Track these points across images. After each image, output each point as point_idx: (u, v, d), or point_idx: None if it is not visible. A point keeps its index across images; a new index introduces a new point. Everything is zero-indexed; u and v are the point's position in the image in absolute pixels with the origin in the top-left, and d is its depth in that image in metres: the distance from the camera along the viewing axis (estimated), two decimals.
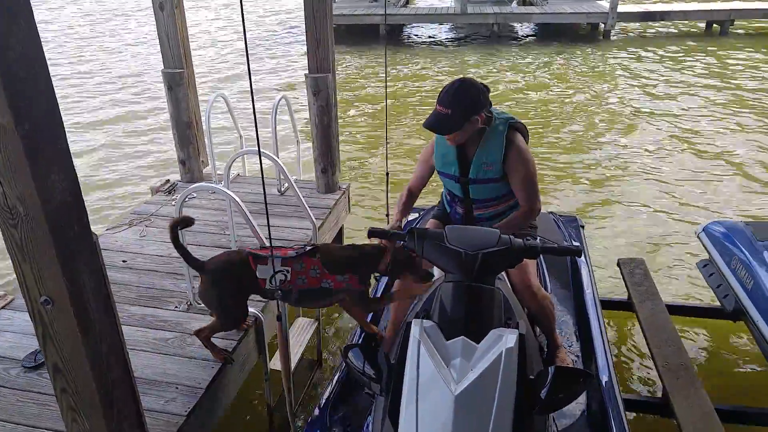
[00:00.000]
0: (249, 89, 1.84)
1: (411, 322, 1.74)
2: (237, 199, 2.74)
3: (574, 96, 9.26)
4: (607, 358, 2.55)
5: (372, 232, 2.18)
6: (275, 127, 3.99)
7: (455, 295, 1.81)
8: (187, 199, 4.06)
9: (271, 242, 2.25)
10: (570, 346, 2.75)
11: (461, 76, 2.42)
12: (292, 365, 2.92)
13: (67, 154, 1.59)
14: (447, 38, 14.65)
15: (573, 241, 3.49)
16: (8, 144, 1.43)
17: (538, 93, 9.50)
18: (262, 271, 2.36)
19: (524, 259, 2.08)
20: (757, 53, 11.73)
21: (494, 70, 11.18)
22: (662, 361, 2.91)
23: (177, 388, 2.45)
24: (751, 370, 3.40)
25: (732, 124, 7.69)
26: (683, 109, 8.37)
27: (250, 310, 2.69)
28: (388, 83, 10.43)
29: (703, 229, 3.55)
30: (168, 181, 4.38)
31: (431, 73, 10.97)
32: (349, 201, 4.40)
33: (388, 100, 9.37)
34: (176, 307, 2.97)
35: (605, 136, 7.41)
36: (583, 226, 3.77)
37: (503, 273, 2.30)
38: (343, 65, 11.77)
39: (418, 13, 14.88)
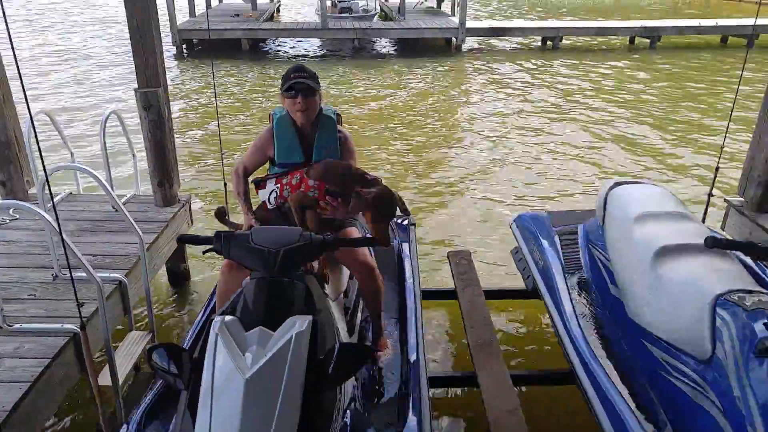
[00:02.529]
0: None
1: (213, 320, 1.86)
2: (47, 217, 2.69)
3: (423, 102, 9.94)
4: (417, 341, 2.82)
5: (181, 239, 2.26)
6: (104, 143, 3.92)
7: (257, 290, 1.95)
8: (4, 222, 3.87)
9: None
10: (392, 333, 3.01)
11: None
12: (120, 379, 2.91)
13: None
14: (312, 53, 14.94)
15: (401, 237, 3.80)
16: None
17: (390, 99, 10.07)
18: (262, 194, 2.60)
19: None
20: (578, 62, 13.40)
21: (354, 81, 11.65)
22: (474, 340, 3.27)
23: None
24: (544, 339, 3.90)
25: (555, 121, 8.79)
26: (515, 111, 9.40)
27: (66, 325, 2.65)
28: (248, 94, 10.46)
29: (514, 220, 4.04)
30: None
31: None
32: (191, 214, 4.40)
33: (248, 112, 9.40)
34: None
35: (449, 138, 8.08)
36: (414, 224, 4.12)
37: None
38: (207, 77, 11.61)
39: (280, 28, 15.01)
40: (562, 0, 27.38)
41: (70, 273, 2.40)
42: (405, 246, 3.68)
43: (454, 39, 15.05)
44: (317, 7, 16.15)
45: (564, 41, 15.81)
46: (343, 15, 16.57)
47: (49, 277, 3.28)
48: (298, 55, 14.61)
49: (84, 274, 3.20)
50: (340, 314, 2.62)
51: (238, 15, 16.16)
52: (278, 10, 22.80)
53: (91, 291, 3.14)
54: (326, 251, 2.20)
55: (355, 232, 2.76)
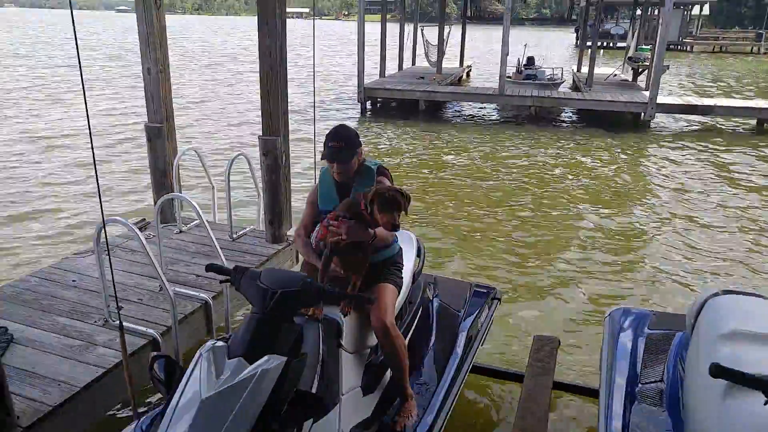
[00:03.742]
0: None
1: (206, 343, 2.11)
2: (146, 244, 3.21)
3: (591, 177, 9.47)
4: (434, 419, 2.75)
5: (208, 267, 2.56)
6: (228, 181, 4.56)
7: (248, 323, 2.13)
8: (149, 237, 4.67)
9: None
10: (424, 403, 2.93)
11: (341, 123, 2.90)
12: None
13: None
14: (487, 118, 15.26)
15: (476, 311, 3.70)
16: None
17: (554, 172, 9.79)
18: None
19: (384, 299, 2.55)
20: None
21: (525, 149, 11.60)
22: (518, 427, 3.05)
23: (60, 385, 2.89)
24: None
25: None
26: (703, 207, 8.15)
27: (149, 330, 3.14)
28: (426, 153, 11.05)
29: (610, 313, 3.69)
30: (144, 219, 5.01)
31: (469, 148, 11.55)
32: (297, 253, 4.83)
33: (425, 169, 9.89)
34: (95, 321, 3.46)
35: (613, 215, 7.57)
36: (498, 299, 4.01)
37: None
38: (382, 135, 12.55)
39: (456, 92, 15.63)
40: None
41: (167, 289, 2.89)
42: (475, 316, 3.60)
43: (642, 114, 14.15)
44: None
45: None
46: (525, 82, 16.67)
47: (157, 287, 3.89)
48: (472, 119, 15.03)
49: (181, 289, 3.76)
50: (357, 368, 2.66)
51: (422, 78, 17.26)
52: (468, 75, 23.72)
53: (182, 305, 3.65)
54: (323, 302, 2.33)
55: (388, 289, 2.82)
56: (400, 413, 2.74)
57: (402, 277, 3.02)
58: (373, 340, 2.84)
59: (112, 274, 2.63)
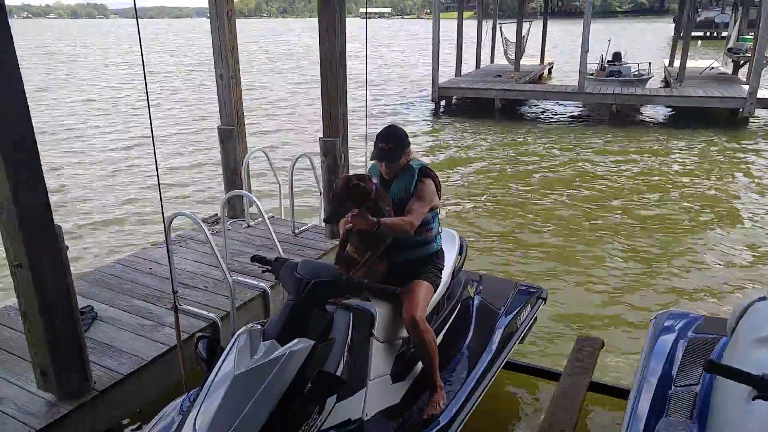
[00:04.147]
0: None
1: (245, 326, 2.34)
2: (210, 237, 3.53)
3: (667, 182, 9.02)
4: (456, 414, 2.83)
5: (252, 258, 2.81)
6: (291, 180, 4.85)
7: (284, 309, 2.36)
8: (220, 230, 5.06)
9: None
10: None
11: (390, 124, 3.05)
12: None
13: (38, 172, 2.54)
14: (567, 116, 14.83)
15: (517, 309, 3.74)
16: None
17: (640, 176, 9.40)
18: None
19: (417, 294, 2.73)
20: None
21: (594, 146, 11.21)
22: (546, 424, 3.07)
23: (131, 358, 3.26)
24: None
25: None
26: None
27: (210, 314, 3.46)
28: (494, 151, 10.99)
29: (656, 316, 3.61)
30: (216, 215, 5.43)
31: (540, 150, 11.31)
32: None
33: (496, 170, 9.87)
34: (165, 305, 3.84)
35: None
36: (544, 299, 4.02)
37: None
38: (454, 135, 12.57)
39: (532, 89, 15.30)
40: None
41: (227, 277, 3.29)
42: (515, 314, 3.64)
43: (740, 110, 13.20)
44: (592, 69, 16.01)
45: None
46: (608, 79, 16.01)
47: (221, 276, 4.23)
48: (551, 118, 14.68)
49: (243, 279, 4.07)
50: (387, 356, 2.79)
51: (500, 75, 17.04)
52: (549, 72, 23.09)
53: (242, 293, 3.97)
54: (351, 293, 2.50)
55: (422, 286, 2.94)
56: (429, 403, 2.85)
57: (440, 276, 3.13)
58: (405, 331, 2.97)
59: (170, 262, 2.97)
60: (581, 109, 15.62)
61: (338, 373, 2.33)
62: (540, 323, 4.33)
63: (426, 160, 10.41)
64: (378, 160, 2.96)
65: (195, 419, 2.07)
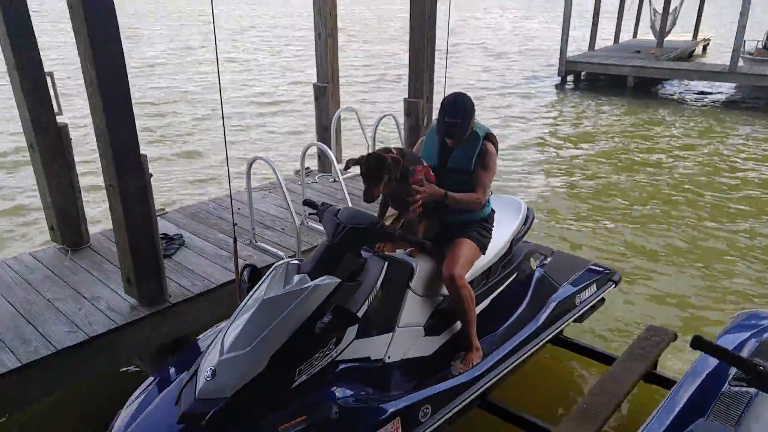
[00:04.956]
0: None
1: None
2: (281, 180, 3.85)
3: None
4: (481, 371, 2.91)
5: (304, 201, 3.05)
6: (374, 138, 5.04)
7: (319, 249, 2.60)
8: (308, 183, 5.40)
9: None
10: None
11: (458, 91, 3.01)
12: None
13: (128, 105, 2.96)
14: (713, 99, 13.38)
15: (579, 287, 3.65)
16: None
17: None
18: None
19: (458, 252, 2.86)
20: None
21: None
22: (583, 403, 2.99)
23: (204, 280, 3.69)
24: None
25: None
26: None
27: (280, 252, 3.85)
28: (617, 133, 10.36)
29: (738, 313, 3.33)
30: (308, 168, 5.79)
31: (677, 132, 10.43)
32: None
33: (620, 153, 9.41)
34: (243, 241, 4.25)
35: None
36: (615, 282, 3.87)
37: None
38: (576, 112, 11.96)
39: (673, 68, 13.94)
40: None
41: (294, 219, 3.67)
42: (575, 292, 3.55)
43: None
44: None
45: None
46: None
47: (298, 221, 4.56)
48: (692, 99, 13.33)
49: (315, 225, 4.37)
50: (422, 309, 2.90)
51: (638, 51, 15.73)
52: (704, 49, 20.80)
53: (314, 238, 4.27)
54: (383, 241, 2.65)
55: (465, 244, 2.99)
56: (462, 360, 2.93)
57: (487, 238, 3.14)
58: (445, 289, 3.05)
59: (249, 200, 3.29)
60: (733, 92, 13.96)
61: (358, 314, 2.48)
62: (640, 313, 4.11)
63: (532, 134, 10.08)
64: (445, 137, 2.96)
65: (225, 335, 2.36)
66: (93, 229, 4.26)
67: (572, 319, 3.59)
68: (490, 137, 3.03)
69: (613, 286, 3.92)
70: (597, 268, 3.91)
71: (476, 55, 19.58)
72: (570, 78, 14.71)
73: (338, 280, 2.40)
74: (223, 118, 3.15)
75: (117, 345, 3.20)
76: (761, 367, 1.41)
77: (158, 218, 4.53)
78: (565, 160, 8.68)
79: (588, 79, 15.30)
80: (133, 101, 3.03)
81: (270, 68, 16.54)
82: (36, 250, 4.08)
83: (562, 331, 3.73)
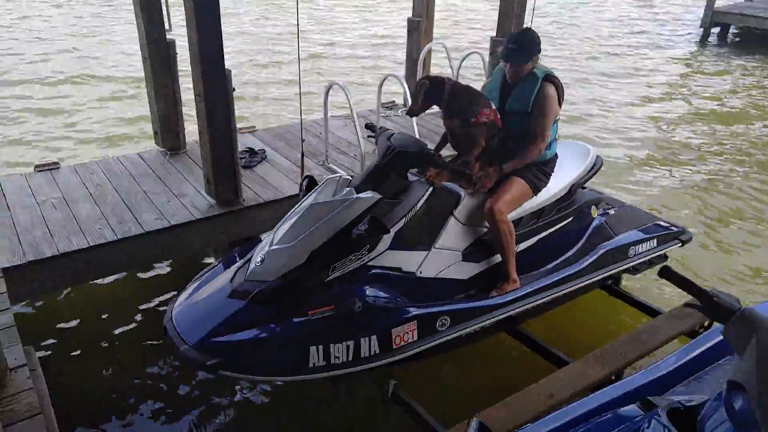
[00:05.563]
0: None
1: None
2: (352, 106, 4.06)
3: None
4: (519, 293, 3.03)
5: (366, 126, 3.27)
6: (457, 74, 5.05)
7: (369, 167, 2.85)
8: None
9: None
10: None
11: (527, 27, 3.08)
12: None
13: (217, 21, 3.28)
14: None
15: (635, 239, 3.59)
16: None
17: None
18: None
19: (507, 188, 2.99)
20: None
21: None
22: (616, 342, 3.01)
23: (275, 191, 4.07)
24: None
25: None
26: None
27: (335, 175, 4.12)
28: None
29: None
30: (394, 101, 5.95)
31: None
32: None
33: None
34: (317, 161, 4.58)
35: None
36: (682, 241, 3.73)
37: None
38: (718, 75, 10.73)
39: None
40: None
41: (359, 144, 3.80)
42: (627, 243, 3.50)
43: None
44: None
45: None
46: None
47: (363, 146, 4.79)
48: None
49: None
50: (462, 236, 3.03)
51: None
52: None
53: None
54: (424, 166, 2.83)
55: (514, 182, 3.06)
56: (496, 288, 3.07)
57: (543, 180, 3.18)
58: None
59: (325, 125, 3.57)
60: None
61: (393, 228, 2.70)
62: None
63: (653, 104, 9.16)
64: (504, 60, 3.02)
65: (277, 230, 2.72)
66: (190, 138, 4.80)
67: (622, 268, 3.54)
68: (550, 78, 3.01)
69: (680, 244, 3.77)
70: (663, 224, 3.78)
71: None
72: (715, 31, 13.11)
73: (379, 196, 2.64)
74: (298, 40, 3.39)
75: (193, 236, 3.71)
76: (715, 298, 1.45)
77: (249, 134, 5.02)
78: (690, 140, 7.92)
79: (738, 33, 13.52)
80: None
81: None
82: (142, 152, 4.72)
83: (616, 280, 3.70)
